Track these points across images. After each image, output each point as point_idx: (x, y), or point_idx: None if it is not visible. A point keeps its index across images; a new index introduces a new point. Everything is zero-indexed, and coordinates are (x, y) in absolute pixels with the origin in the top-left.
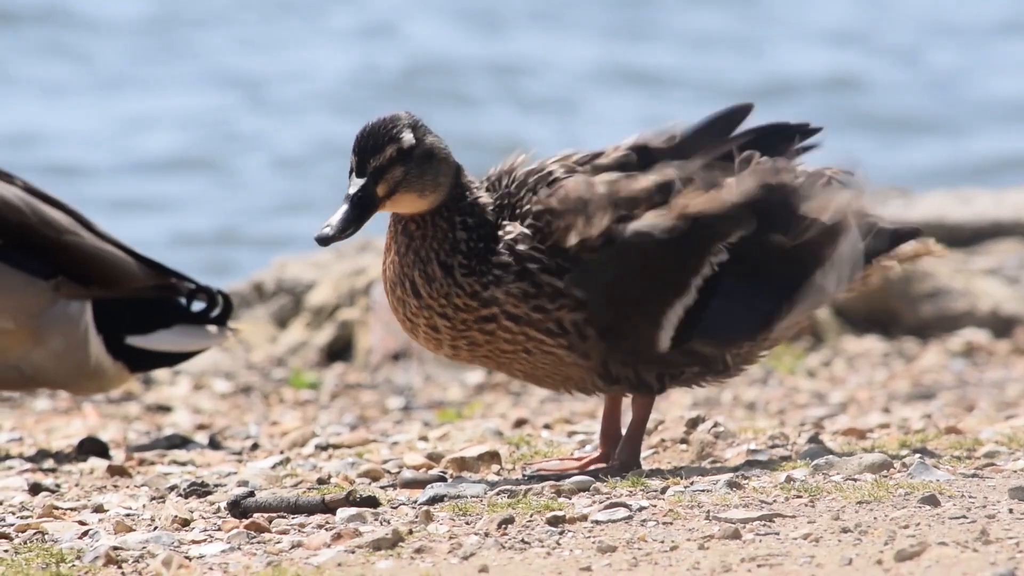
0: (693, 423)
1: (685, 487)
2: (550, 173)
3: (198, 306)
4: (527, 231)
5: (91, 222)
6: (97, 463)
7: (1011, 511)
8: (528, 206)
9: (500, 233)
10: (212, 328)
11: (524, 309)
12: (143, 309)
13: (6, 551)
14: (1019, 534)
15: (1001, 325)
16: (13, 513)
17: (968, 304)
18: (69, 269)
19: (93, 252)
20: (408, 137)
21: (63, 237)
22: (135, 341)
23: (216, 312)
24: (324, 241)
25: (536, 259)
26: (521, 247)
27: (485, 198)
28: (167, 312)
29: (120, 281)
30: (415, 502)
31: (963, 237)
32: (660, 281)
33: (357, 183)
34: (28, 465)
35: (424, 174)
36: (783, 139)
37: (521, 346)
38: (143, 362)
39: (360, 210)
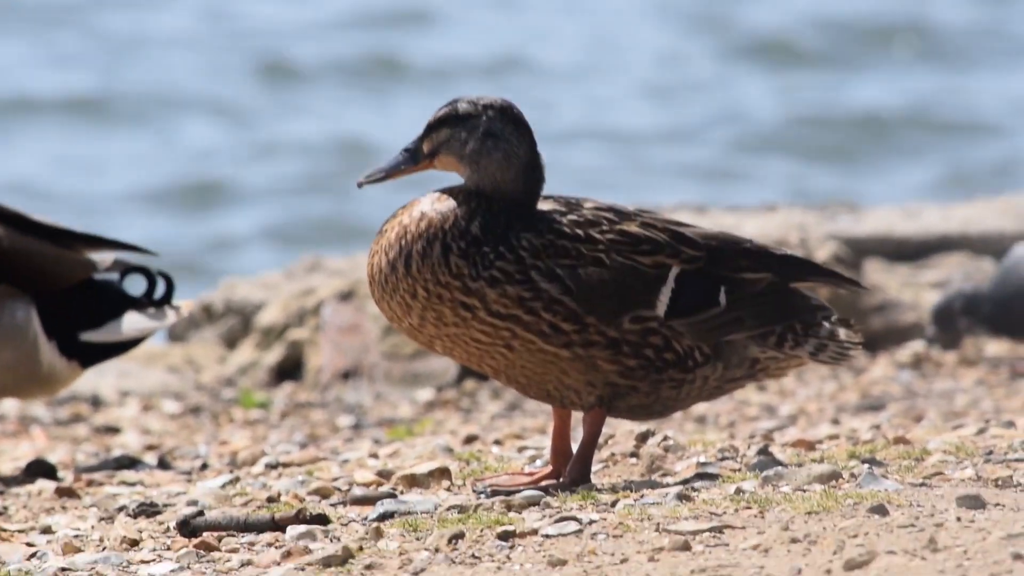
0: (643, 437)
1: (635, 500)
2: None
3: (138, 286)
4: (541, 244)
5: (28, 216)
6: (45, 485)
7: (959, 519)
8: (556, 225)
9: (516, 241)
10: (158, 310)
11: (516, 311)
12: (91, 301)
13: None
14: (966, 542)
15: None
16: None
17: (916, 317)
18: (12, 275)
19: (36, 252)
20: (465, 107)
21: (2, 243)
22: (89, 336)
23: (159, 292)
24: (359, 185)
25: (540, 268)
26: (530, 259)
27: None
28: (114, 300)
29: (66, 275)
30: (365, 519)
31: (910, 251)
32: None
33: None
34: None
35: (467, 143)
36: None
37: (503, 342)
38: (97, 355)
39: (403, 158)
